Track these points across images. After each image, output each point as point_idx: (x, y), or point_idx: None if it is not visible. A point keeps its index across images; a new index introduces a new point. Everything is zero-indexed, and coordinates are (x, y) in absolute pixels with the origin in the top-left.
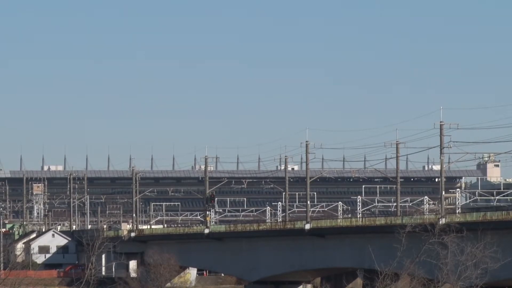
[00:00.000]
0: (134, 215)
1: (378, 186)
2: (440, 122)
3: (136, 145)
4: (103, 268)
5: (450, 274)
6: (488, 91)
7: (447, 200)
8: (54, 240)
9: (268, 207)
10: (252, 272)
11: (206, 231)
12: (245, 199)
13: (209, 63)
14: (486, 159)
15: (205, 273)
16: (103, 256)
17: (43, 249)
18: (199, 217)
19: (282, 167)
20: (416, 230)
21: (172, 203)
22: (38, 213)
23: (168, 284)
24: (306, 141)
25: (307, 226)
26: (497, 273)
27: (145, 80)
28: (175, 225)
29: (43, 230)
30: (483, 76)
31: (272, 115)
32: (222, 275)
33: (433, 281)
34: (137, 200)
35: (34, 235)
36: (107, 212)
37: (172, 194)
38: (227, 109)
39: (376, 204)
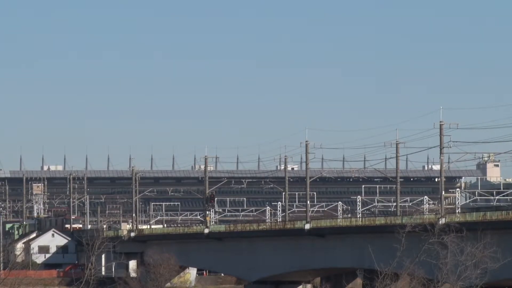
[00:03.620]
0: (133, 215)
1: (378, 186)
2: (440, 122)
3: (136, 145)
4: (103, 268)
5: (450, 274)
6: (488, 91)
7: (446, 200)
8: (54, 240)
9: (268, 207)
10: (252, 272)
11: (206, 231)
12: (245, 199)
13: (209, 63)
14: (486, 159)
15: (205, 273)
16: (103, 256)
17: (43, 249)
18: (199, 217)
19: (282, 167)
20: (416, 230)
21: (172, 203)
22: (38, 213)
23: (168, 284)
24: (306, 141)
25: (307, 226)
26: (497, 273)
27: (145, 80)
28: (175, 225)
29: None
30: (483, 76)
31: (272, 115)
32: (222, 275)
33: (433, 281)
34: (137, 200)
35: (34, 235)
36: (107, 212)
37: (172, 194)
38: (227, 109)
39: (376, 204)
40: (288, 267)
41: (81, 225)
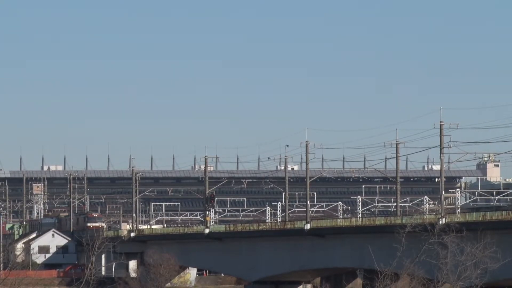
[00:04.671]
0: (134, 215)
1: (378, 186)
2: (440, 122)
3: (136, 145)
4: (103, 268)
5: (450, 274)
6: (488, 91)
7: (447, 200)
8: (54, 240)
9: (268, 207)
10: (252, 272)
11: (206, 231)
12: (245, 199)
13: (209, 63)
14: (486, 159)
15: (205, 273)
16: (103, 256)
17: (43, 249)
18: (199, 217)
19: (282, 167)
20: (416, 230)
21: (172, 203)
22: (38, 213)
23: (168, 284)
24: (306, 141)
25: (307, 226)
26: (497, 273)
27: (145, 80)
28: (175, 225)
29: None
30: (483, 76)
31: (272, 115)
32: (222, 275)
33: (433, 281)
34: (137, 200)
35: (34, 235)
36: (107, 212)
37: (172, 194)
38: (227, 109)
39: (376, 204)
40: (288, 267)
41: (103, 224)
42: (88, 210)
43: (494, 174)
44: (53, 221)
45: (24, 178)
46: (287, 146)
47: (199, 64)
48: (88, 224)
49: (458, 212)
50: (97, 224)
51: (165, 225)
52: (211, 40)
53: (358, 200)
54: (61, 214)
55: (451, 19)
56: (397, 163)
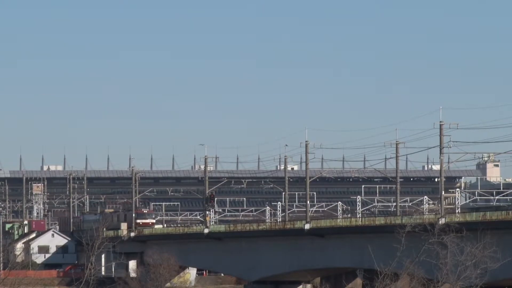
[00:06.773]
0: (134, 215)
1: (377, 186)
2: (440, 122)
3: (135, 145)
4: (103, 268)
5: (450, 274)
6: (488, 91)
7: (446, 200)
8: (53, 240)
9: (267, 207)
10: (251, 272)
11: (206, 231)
12: (244, 199)
13: (209, 63)
14: (485, 159)
15: (204, 273)
16: (103, 256)
17: (43, 249)
18: (198, 217)
19: (282, 167)
20: (415, 230)
21: (171, 203)
22: (37, 213)
23: (168, 284)
24: (306, 141)
25: (307, 226)
26: (496, 273)
27: (145, 80)
28: (175, 225)
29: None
30: (483, 76)
31: (272, 115)
32: (222, 275)
33: (433, 281)
34: (137, 200)
35: (33, 235)
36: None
37: (172, 194)
38: (227, 108)
39: (376, 204)
40: (288, 267)
41: (154, 220)
42: (137, 206)
43: (494, 174)
44: (97, 217)
45: (24, 178)
46: (286, 145)
47: (199, 64)
48: (138, 221)
49: (458, 212)
50: (147, 221)
51: (165, 225)
52: (211, 40)
53: (358, 200)
54: (106, 210)
55: (451, 18)
56: (396, 163)
